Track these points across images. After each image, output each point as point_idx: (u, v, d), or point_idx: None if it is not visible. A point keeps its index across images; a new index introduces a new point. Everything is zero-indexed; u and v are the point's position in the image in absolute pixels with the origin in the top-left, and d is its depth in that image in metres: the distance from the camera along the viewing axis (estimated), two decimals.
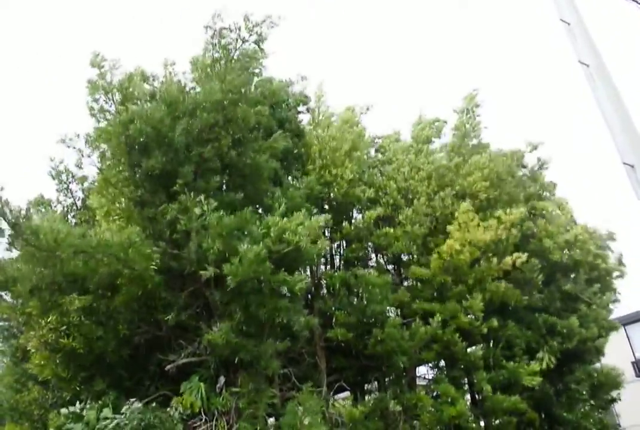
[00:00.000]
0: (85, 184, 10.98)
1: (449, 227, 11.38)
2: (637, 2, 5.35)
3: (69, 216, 11.05)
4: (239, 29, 9.83)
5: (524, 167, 15.32)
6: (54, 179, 10.31)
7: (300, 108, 12.97)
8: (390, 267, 13.24)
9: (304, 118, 12.96)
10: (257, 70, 10.64)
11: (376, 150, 14.86)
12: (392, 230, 11.56)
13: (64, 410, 8.04)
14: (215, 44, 9.79)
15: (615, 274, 14.64)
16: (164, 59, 10.18)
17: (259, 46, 10.09)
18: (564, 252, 13.22)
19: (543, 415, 13.36)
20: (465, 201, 12.15)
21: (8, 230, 7.56)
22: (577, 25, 5.11)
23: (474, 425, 11.61)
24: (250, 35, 9.92)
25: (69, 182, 10.71)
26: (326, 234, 11.85)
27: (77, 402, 8.25)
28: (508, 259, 11.43)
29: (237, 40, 9.87)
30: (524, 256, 11.38)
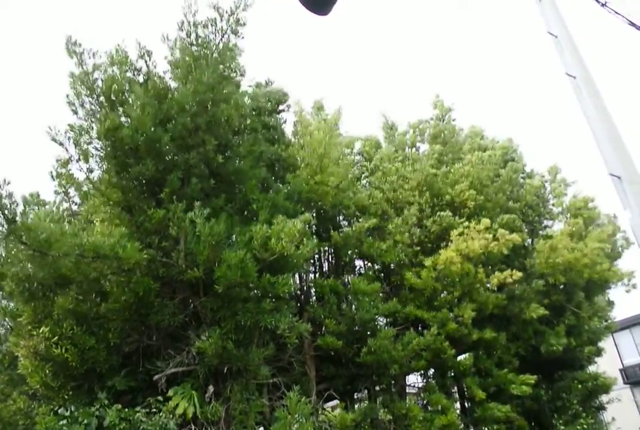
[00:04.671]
0: (76, 187, 10.62)
1: (453, 233, 11.36)
2: (623, 16, 5.44)
3: (64, 221, 10.84)
4: (215, 22, 9.68)
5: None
6: (54, 179, 9.99)
7: (281, 106, 12.79)
8: (379, 271, 13.26)
9: (285, 116, 12.88)
10: (233, 65, 10.28)
11: (359, 154, 14.89)
12: (382, 243, 11.59)
13: (61, 410, 7.93)
14: (193, 42, 9.62)
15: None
16: (139, 49, 9.72)
17: (236, 34, 9.82)
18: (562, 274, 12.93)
19: (532, 423, 13.41)
20: (455, 210, 12.20)
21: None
22: (564, 38, 5.20)
23: None
24: (229, 25, 9.73)
25: (68, 186, 10.36)
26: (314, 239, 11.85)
27: (66, 411, 8.15)
28: (505, 274, 11.40)
29: (215, 33, 9.71)
30: (518, 273, 11.35)
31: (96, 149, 9.25)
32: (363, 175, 14.23)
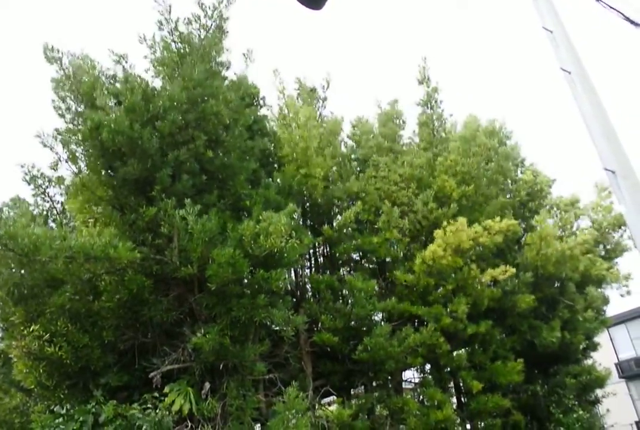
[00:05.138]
0: (63, 187, 10.63)
1: (436, 232, 11.20)
2: (618, 11, 5.42)
3: (49, 220, 10.82)
4: (199, 19, 9.63)
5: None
6: (29, 184, 10.01)
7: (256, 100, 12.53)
8: (374, 267, 13.21)
9: (269, 107, 12.75)
10: (220, 58, 10.20)
11: (350, 138, 14.59)
12: (373, 238, 11.55)
13: (57, 409, 7.91)
14: (176, 40, 9.55)
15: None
16: (114, 54, 9.71)
17: (221, 29, 9.77)
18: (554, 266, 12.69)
19: (529, 417, 13.45)
20: (442, 203, 12.09)
21: None
22: (559, 33, 5.17)
23: (459, 428, 11.65)
24: (213, 21, 9.67)
25: (46, 186, 10.38)
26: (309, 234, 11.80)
27: (62, 409, 8.12)
28: (498, 270, 11.34)
29: (199, 30, 9.65)
30: (512, 269, 11.26)
31: (86, 150, 9.20)
32: (356, 163, 13.98)
